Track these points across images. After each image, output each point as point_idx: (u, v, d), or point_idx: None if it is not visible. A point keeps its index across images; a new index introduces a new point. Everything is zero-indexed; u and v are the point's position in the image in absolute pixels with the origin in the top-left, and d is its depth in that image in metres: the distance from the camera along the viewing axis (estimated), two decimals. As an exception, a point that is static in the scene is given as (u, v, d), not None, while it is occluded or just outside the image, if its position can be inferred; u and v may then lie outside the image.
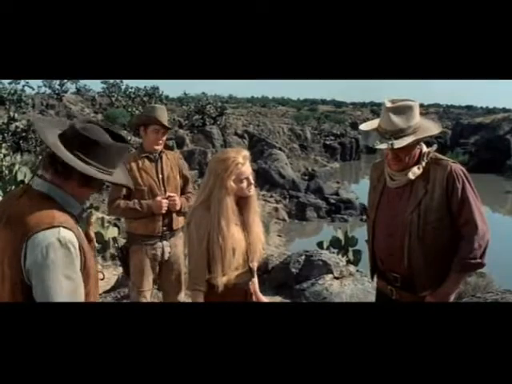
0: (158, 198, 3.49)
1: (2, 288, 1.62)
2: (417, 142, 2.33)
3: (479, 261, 2.28)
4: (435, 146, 2.47)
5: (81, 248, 1.64)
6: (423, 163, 2.38)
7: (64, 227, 1.59)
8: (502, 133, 33.69)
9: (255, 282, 2.70)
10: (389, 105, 2.32)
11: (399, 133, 2.28)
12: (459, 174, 2.32)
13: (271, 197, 19.97)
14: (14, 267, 1.58)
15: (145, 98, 30.31)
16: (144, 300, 3.57)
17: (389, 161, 2.40)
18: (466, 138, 35.98)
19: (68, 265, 1.58)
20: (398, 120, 2.28)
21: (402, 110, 2.30)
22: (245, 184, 2.47)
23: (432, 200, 2.32)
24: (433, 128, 2.39)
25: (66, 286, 1.57)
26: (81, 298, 1.63)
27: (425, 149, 2.42)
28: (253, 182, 2.51)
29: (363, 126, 2.48)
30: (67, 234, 1.59)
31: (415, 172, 2.36)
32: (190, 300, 4.47)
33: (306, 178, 24.10)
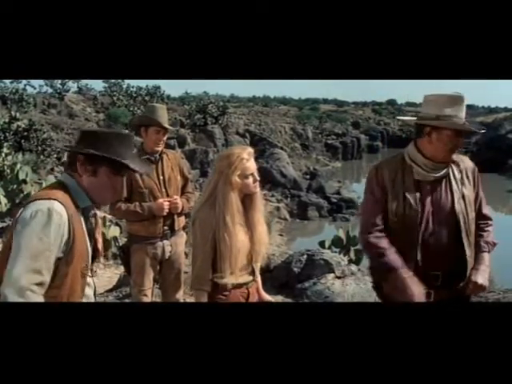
0: (160, 200, 3.48)
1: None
2: None
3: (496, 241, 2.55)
4: None
5: (71, 228, 1.78)
6: None
7: (59, 202, 1.77)
8: (503, 132, 33.65)
9: (259, 282, 2.69)
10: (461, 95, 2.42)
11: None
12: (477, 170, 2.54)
13: (273, 196, 19.95)
14: (11, 228, 1.79)
15: (146, 98, 30.25)
16: (145, 298, 3.57)
17: (454, 149, 2.40)
18: (468, 138, 35.93)
19: (44, 229, 1.72)
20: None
21: None
22: (250, 180, 2.45)
23: (467, 190, 2.44)
24: None
25: (35, 245, 1.70)
26: (45, 262, 1.72)
27: None
28: (258, 178, 2.49)
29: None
30: (59, 207, 1.76)
31: (458, 163, 2.48)
32: (189, 299, 4.48)
33: (308, 177, 24.08)
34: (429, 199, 2.42)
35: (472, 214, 2.43)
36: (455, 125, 2.36)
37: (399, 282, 2.30)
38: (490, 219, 2.56)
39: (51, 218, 1.73)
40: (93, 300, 2.00)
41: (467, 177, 2.47)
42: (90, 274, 1.91)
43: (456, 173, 2.45)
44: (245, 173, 2.42)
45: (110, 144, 1.88)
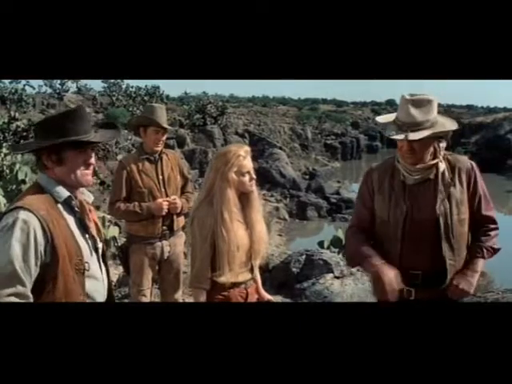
0: (159, 200, 3.48)
1: None
2: (433, 137, 2.35)
3: (499, 246, 2.46)
4: (445, 143, 2.49)
5: (45, 229, 1.73)
6: (440, 157, 2.42)
7: (25, 209, 1.72)
8: (502, 132, 33.61)
9: (258, 281, 2.70)
10: (408, 97, 2.34)
11: (416, 126, 2.30)
12: (477, 170, 2.46)
13: (272, 196, 19.95)
14: None
15: (146, 98, 30.18)
16: (144, 298, 3.57)
17: (403, 153, 2.38)
18: (467, 138, 35.91)
19: (5, 245, 1.68)
20: (415, 113, 2.31)
21: (421, 103, 2.33)
22: (247, 178, 2.46)
23: (457, 191, 2.39)
24: (449, 124, 2.44)
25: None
26: (12, 274, 1.67)
27: (442, 144, 2.46)
28: (254, 177, 2.51)
29: (379, 119, 2.55)
30: (26, 216, 1.71)
31: (441, 165, 2.41)
32: (188, 298, 4.48)
33: (307, 177, 24.06)
34: (412, 200, 2.43)
35: (460, 216, 2.38)
36: (386, 129, 2.38)
37: (373, 269, 2.38)
38: (492, 223, 2.47)
39: (13, 230, 1.69)
40: (104, 294, 1.97)
41: (459, 178, 2.41)
42: (87, 268, 1.85)
43: (446, 174, 2.41)
44: (241, 170, 2.44)
45: (62, 126, 1.82)
